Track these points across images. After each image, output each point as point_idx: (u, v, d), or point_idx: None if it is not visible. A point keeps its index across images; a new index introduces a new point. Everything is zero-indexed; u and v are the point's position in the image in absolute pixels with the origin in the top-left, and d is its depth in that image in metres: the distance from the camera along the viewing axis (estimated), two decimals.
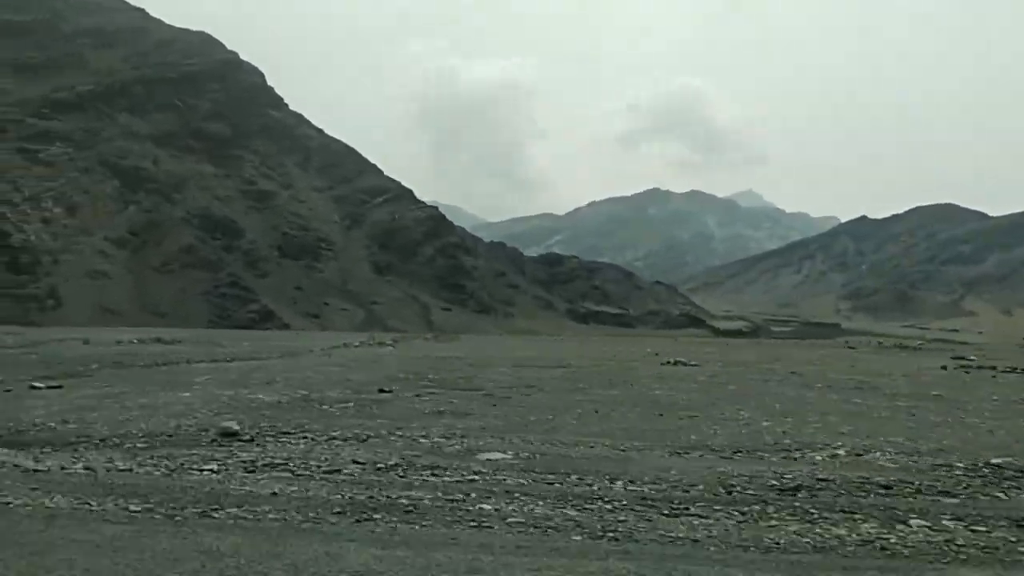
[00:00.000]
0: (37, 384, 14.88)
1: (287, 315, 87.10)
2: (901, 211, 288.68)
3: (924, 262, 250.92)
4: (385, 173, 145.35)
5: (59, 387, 14.70)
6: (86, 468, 7.49)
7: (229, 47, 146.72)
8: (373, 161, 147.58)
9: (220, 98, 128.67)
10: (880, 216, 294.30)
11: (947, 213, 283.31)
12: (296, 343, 36.89)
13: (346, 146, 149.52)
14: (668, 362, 24.38)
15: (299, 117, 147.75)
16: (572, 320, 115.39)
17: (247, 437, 9.24)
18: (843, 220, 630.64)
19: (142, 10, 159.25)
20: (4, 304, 74.75)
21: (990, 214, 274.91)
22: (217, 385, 15.21)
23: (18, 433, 9.68)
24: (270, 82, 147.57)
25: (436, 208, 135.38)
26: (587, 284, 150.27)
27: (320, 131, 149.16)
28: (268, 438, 9.23)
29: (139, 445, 8.87)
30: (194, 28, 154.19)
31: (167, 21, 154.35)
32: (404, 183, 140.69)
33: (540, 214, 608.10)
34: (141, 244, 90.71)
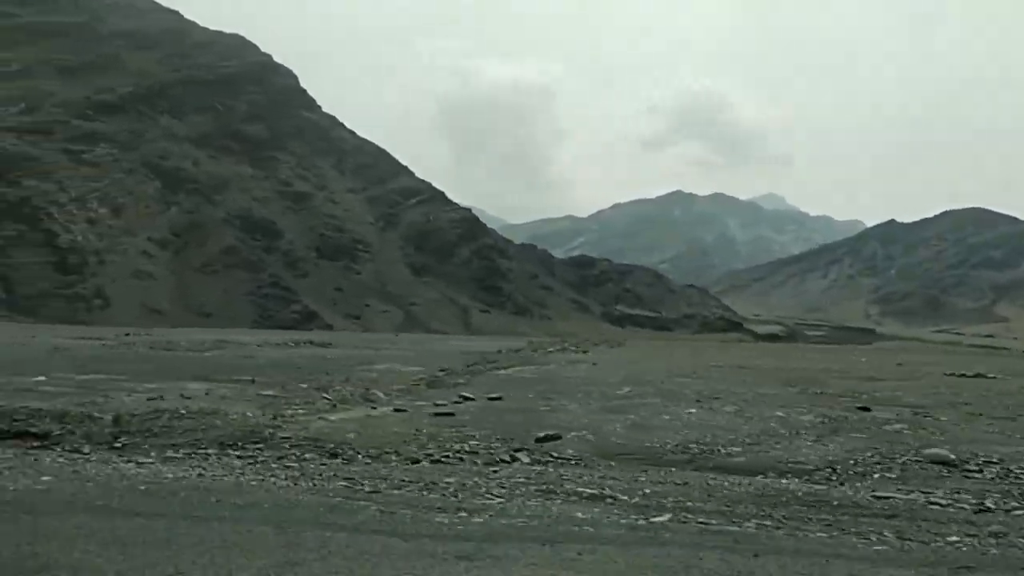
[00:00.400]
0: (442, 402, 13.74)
1: (328, 316, 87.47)
2: (930, 215, 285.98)
3: (955, 267, 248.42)
4: (417, 175, 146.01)
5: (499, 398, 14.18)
6: None
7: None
8: (404, 163, 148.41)
9: (257, 100, 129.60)
10: (909, 220, 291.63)
11: (978, 217, 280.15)
12: (449, 345, 37.00)
13: (378, 148, 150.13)
14: (956, 374, 22.53)
15: (332, 119, 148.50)
16: (607, 323, 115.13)
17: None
18: (867, 224, 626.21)
19: (177, 12, 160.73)
20: (55, 304, 75.63)
21: (1022, 218, 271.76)
22: (673, 400, 14.39)
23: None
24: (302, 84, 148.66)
25: (469, 210, 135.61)
26: (618, 287, 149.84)
27: (352, 133, 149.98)
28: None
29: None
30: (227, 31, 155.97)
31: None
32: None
33: (563, 216, 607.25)
34: (183, 245, 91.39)
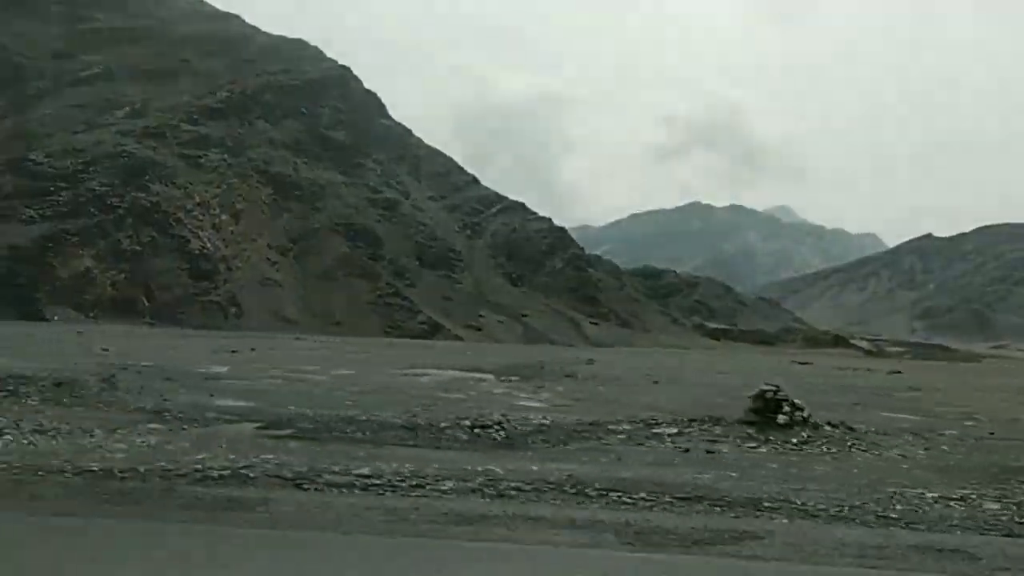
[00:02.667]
0: None
1: (451, 326, 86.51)
2: (967, 230, 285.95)
3: (998, 281, 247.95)
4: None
5: None
6: None
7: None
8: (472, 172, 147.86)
9: (338, 106, 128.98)
10: (925, 234, 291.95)
11: (1013, 232, 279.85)
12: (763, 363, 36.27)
13: (448, 157, 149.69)
14: None
15: (403, 127, 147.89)
16: (702, 336, 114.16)
17: None
18: (881, 237, 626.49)
19: (239, 17, 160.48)
20: (192, 311, 74.75)
21: None
22: None
23: None
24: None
25: (550, 220, 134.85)
26: (688, 298, 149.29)
27: (422, 141, 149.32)
28: None
29: None
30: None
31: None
32: None
33: (578, 226, 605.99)
34: (301, 252, 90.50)
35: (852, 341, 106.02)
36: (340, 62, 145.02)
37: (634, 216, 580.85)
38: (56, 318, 65.89)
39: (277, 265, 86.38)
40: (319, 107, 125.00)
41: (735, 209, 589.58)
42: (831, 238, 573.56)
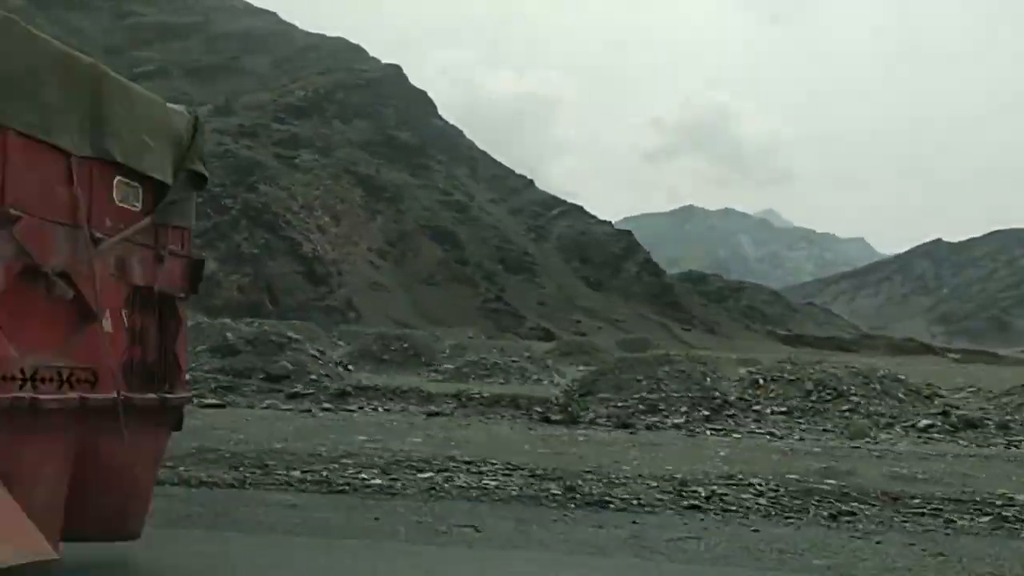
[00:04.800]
0: None
1: (557, 331, 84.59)
2: (978, 235, 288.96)
3: (1011, 287, 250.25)
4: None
5: None
6: None
7: None
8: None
9: (399, 105, 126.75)
10: (957, 239, 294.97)
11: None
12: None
13: (496, 160, 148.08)
14: None
15: (456, 128, 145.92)
16: (775, 342, 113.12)
17: None
18: (870, 242, 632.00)
19: (275, 14, 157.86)
20: (314, 315, 72.28)
21: None
22: None
23: None
24: None
25: (610, 223, 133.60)
26: (739, 303, 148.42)
27: (472, 142, 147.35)
28: None
29: None
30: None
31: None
32: None
33: None
34: (400, 255, 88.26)
35: (937, 348, 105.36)
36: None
37: (627, 219, 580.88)
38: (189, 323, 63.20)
39: (380, 269, 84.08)
40: (382, 107, 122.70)
41: (728, 213, 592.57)
42: (822, 242, 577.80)
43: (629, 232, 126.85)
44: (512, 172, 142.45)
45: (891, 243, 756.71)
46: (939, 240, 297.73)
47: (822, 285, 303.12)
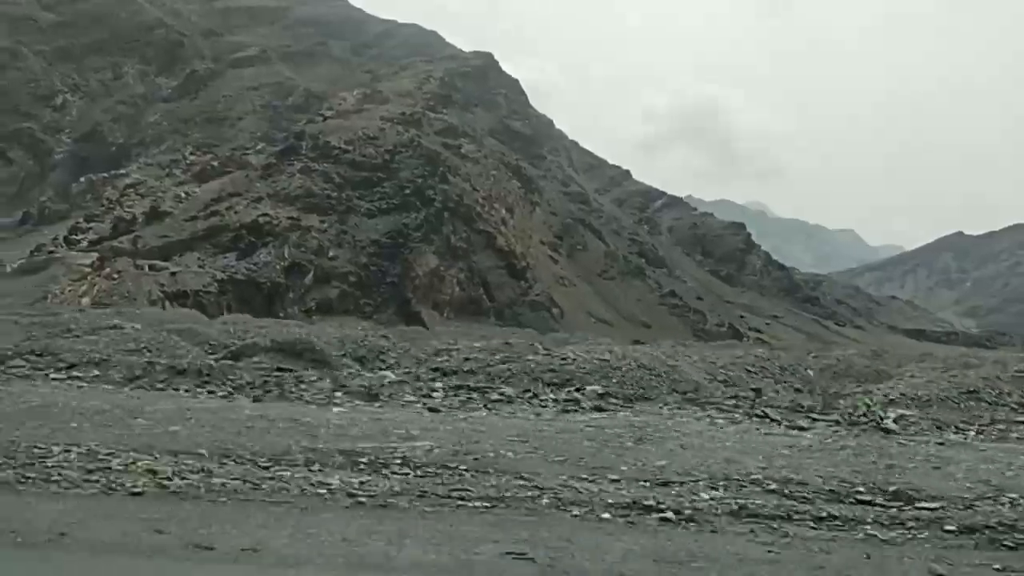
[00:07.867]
0: None
1: (743, 330, 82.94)
2: (997, 228, 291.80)
3: None
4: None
5: None
6: None
7: None
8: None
9: (509, 94, 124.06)
10: (977, 232, 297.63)
11: None
12: None
13: (586, 149, 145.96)
14: None
15: (546, 116, 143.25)
16: (899, 336, 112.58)
17: None
18: (861, 234, 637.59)
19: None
20: (524, 313, 70.04)
21: None
22: None
23: None
24: None
25: (711, 214, 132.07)
26: (825, 297, 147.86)
27: (562, 131, 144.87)
28: None
29: None
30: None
31: None
32: None
33: None
34: (571, 249, 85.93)
35: None
36: None
37: None
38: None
39: (560, 263, 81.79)
40: (494, 95, 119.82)
41: (722, 205, 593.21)
42: (816, 235, 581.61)
43: (742, 224, 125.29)
44: (606, 162, 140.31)
45: (879, 236, 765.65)
46: (960, 233, 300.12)
47: (842, 279, 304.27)
